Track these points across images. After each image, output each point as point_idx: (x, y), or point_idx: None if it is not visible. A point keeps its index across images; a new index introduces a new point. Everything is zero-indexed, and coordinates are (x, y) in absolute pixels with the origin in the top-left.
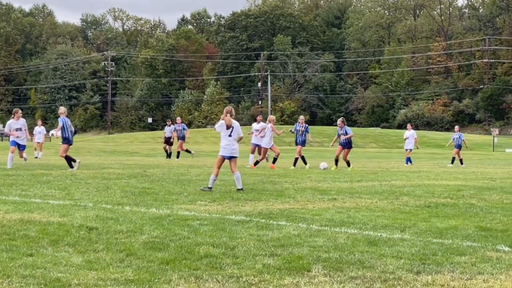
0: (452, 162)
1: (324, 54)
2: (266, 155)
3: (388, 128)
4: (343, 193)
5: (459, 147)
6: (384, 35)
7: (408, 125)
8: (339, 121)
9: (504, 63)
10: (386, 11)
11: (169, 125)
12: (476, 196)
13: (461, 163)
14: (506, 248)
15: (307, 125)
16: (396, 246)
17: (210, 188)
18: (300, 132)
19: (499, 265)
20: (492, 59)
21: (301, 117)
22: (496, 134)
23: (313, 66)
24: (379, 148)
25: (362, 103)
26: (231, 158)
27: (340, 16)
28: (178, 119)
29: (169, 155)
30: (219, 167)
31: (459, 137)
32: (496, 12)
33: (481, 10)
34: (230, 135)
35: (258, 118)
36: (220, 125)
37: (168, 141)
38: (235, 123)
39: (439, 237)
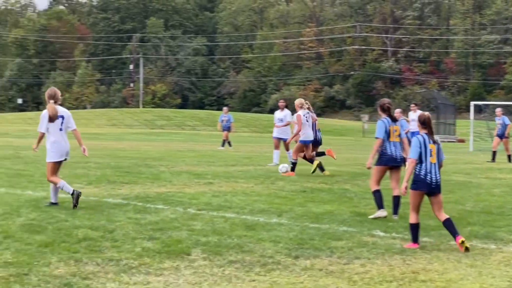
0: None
1: (196, 37)
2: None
3: (260, 112)
4: (219, 177)
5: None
6: (256, 19)
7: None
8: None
9: (374, 50)
10: None
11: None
12: (349, 181)
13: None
14: (381, 233)
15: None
16: (274, 231)
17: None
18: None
19: (375, 250)
20: (362, 45)
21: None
22: (366, 120)
23: (185, 50)
24: (250, 132)
25: (234, 87)
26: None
27: None
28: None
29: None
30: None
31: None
32: None
33: None
34: (61, 129)
35: (281, 103)
36: (42, 121)
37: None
38: (64, 111)
39: (315, 222)
